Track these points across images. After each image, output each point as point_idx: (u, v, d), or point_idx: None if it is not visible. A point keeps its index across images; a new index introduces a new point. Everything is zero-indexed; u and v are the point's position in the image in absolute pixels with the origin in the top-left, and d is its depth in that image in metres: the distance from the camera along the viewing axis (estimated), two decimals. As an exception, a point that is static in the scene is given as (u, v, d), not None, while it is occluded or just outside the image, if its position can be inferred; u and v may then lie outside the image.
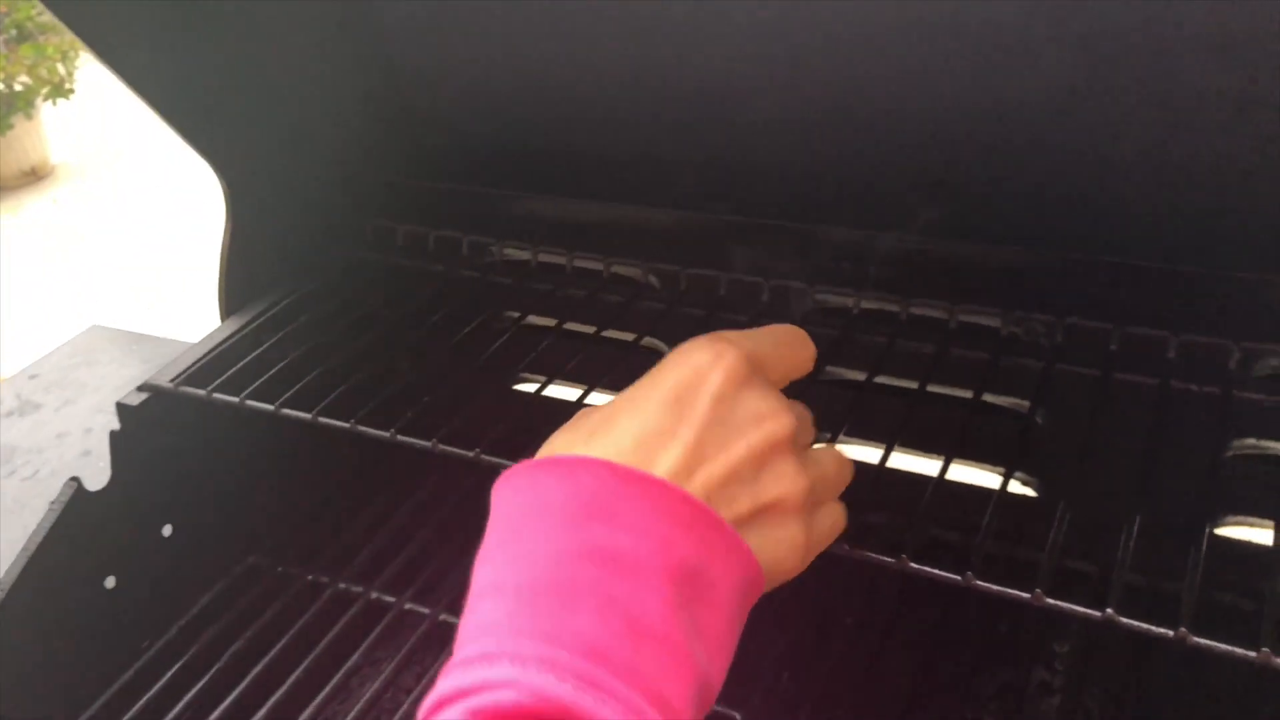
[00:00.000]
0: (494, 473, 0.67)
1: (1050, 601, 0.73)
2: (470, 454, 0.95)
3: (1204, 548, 0.73)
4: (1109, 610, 0.71)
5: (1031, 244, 1.02)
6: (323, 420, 1.03)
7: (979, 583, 0.76)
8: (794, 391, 0.94)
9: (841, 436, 0.97)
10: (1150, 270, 0.98)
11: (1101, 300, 1.01)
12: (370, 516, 1.35)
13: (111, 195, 5.90)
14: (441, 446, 0.97)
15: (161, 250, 5.13)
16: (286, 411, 1.05)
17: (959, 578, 0.77)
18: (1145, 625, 0.67)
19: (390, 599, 1.21)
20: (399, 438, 0.99)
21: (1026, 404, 1.09)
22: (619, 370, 1.05)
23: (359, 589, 1.22)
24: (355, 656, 1.13)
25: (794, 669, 1.15)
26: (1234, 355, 0.94)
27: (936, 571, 0.76)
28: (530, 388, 1.06)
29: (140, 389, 1.13)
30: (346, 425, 1.02)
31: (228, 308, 1.25)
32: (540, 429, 0.97)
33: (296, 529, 1.33)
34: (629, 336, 1.12)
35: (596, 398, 1.05)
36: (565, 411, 1.00)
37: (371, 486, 1.40)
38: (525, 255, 1.25)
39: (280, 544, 1.30)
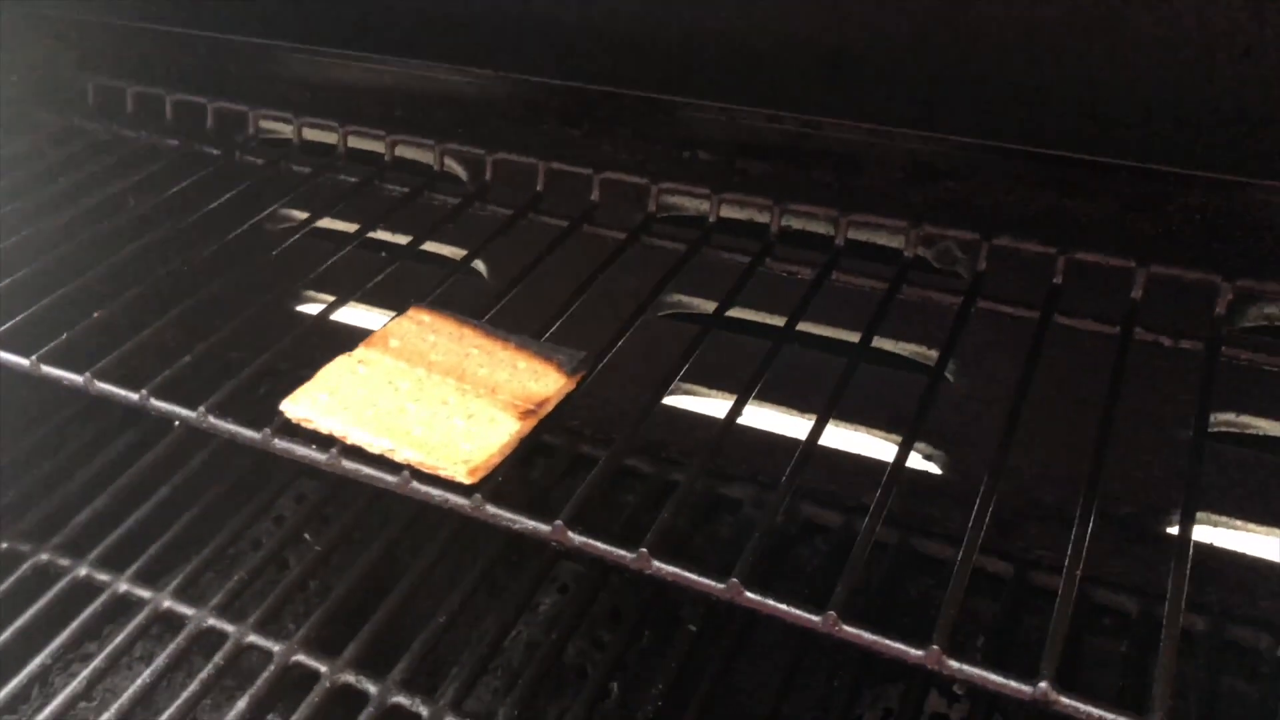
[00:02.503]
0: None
1: (956, 666, 0.48)
2: (135, 396, 0.68)
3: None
4: (1042, 685, 0.46)
5: (950, 131, 0.76)
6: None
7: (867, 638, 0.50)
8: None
9: (680, 383, 0.70)
10: (1113, 170, 0.72)
11: (1044, 212, 0.75)
12: (92, 473, 1.10)
13: None
14: (99, 384, 0.70)
15: None
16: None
17: (872, 639, 0.51)
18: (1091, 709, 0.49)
19: (105, 577, 0.98)
20: (44, 369, 0.71)
21: (934, 353, 0.86)
22: (394, 280, 0.80)
23: (65, 562, 1.00)
24: (54, 645, 0.93)
25: (626, 678, 0.94)
26: (1224, 295, 0.67)
27: (801, 615, 0.51)
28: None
29: None
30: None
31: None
32: (241, 364, 0.71)
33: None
34: (404, 239, 0.84)
35: (350, 313, 0.81)
36: (319, 337, 0.77)
37: (99, 434, 1.15)
38: (286, 130, 0.99)
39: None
